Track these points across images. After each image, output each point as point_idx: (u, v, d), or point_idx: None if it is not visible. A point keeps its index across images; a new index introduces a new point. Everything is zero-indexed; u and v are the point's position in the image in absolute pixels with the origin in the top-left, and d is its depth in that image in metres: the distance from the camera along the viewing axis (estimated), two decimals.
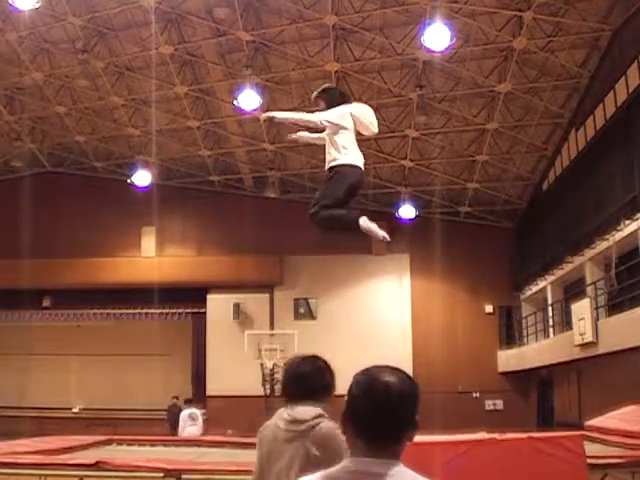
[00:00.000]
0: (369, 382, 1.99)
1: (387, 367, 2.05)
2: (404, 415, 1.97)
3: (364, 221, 5.56)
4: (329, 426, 3.11)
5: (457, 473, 5.07)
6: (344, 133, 5.62)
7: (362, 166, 5.63)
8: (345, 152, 5.56)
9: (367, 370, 2.05)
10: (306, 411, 3.20)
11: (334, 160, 5.60)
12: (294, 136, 6.00)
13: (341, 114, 5.67)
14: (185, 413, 15.01)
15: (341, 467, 1.97)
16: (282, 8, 16.62)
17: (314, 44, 17.62)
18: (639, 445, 5.70)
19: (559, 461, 5.16)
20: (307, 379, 3.37)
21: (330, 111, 5.69)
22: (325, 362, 3.56)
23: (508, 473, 5.25)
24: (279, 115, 5.92)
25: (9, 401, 23.33)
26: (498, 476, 5.23)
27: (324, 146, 5.92)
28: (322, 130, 5.74)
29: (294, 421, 3.18)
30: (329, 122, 5.61)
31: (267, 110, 20.12)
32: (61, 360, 24.97)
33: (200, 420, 14.78)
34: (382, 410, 1.94)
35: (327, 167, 5.73)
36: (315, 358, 3.54)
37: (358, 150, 5.64)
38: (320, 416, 3.19)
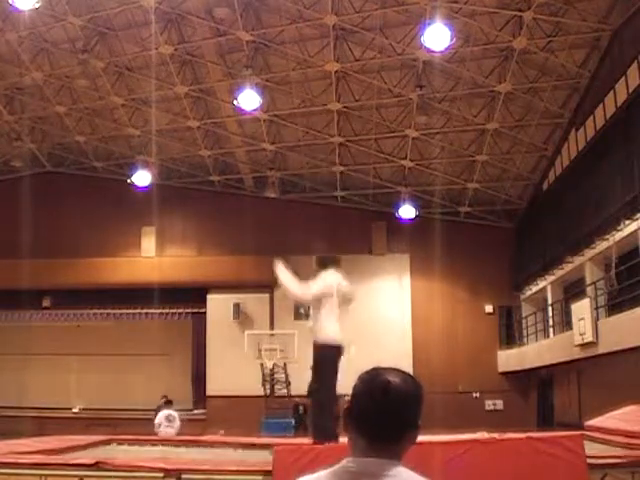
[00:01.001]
0: (372, 381, 2.00)
1: (392, 368, 2.05)
2: (406, 415, 1.97)
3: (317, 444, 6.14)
4: None
5: (457, 473, 5.07)
6: (327, 301, 6.48)
7: (338, 341, 6.45)
8: (325, 326, 6.45)
9: (372, 370, 2.06)
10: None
11: (316, 333, 6.52)
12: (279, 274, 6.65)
13: (327, 284, 6.56)
14: (162, 414, 15.08)
15: (341, 466, 1.96)
16: (282, 8, 16.62)
17: (314, 44, 17.62)
18: (639, 445, 5.70)
19: (559, 461, 5.16)
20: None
21: (318, 281, 6.56)
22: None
23: (507, 473, 5.25)
24: (280, 276, 6.62)
25: (9, 401, 23.32)
26: (497, 476, 5.23)
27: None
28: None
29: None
30: (313, 296, 6.53)
31: (267, 110, 20.16)
32: (61, 360, 24.96)
33: (177, 422, 14.90)
34: (384, 409, 1.94)
35: (313, 337, 6.60)
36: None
37: (336, 322, 6.48)
38: None
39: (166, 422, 14.77)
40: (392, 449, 1.95)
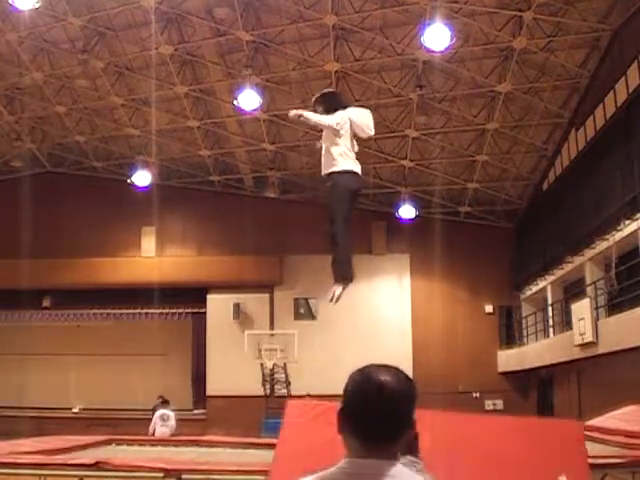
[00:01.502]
0: (364, 381, 1.97)
1: (384, 366, 2.02)
2: (401, 414, 1.95)
3: (339, 287, 5.98)
4: None
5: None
6: (343, 137, 5.85)
7: (359, 171, 5.85)
8: (342, 159, 5.79)
9: (363, 368, 2.02)
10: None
11: (332, 166, 5.83)
12: (293, 113, 6.15)
13: (341, 119, 5.82)
14: (158, 414, 15.28)
15: (337, 468, 1.93)
16: (282, 8, 16.61)
17: (314, 44, 17.61)
18: (639, 445, 5.70)
19: (558, 446, 5.12)
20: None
21: (334, 116, 5.87)
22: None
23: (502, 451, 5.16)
24: (305, 114, 6.05)
25: (9, 401, 23.31)
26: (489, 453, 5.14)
27: (322, 148, 6.06)
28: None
29: None
30: (338, 124, 5.85)
31: (267, 110, 20.15)
32: (61, 360, 24.95)
33: (172, 421, 15.06)
34: (377, 409, 1.91)
35: (325, 172, 5.94)
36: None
37: (354, 156, 5.88)
38: None
39: (160, 421, 14.95)
40: (388, 449, 1.93)
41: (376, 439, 1.92)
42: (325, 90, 6.40)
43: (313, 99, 6.20)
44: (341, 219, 5.86)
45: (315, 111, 6.15)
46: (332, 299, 5.97)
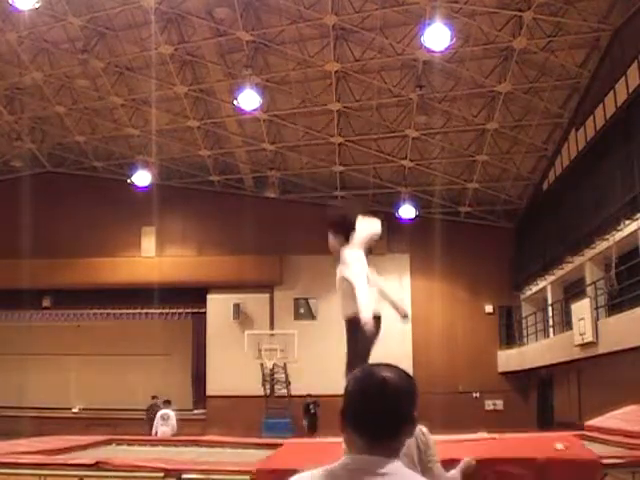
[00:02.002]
0: (365, 378, 2.00)
1: (384, 364, 2.04)
2: (401, 411, 1.97)
3: None
4: None
5: None
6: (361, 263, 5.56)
7: (374, 310, 5.40)
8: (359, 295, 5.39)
9: (364, 367, 2.06)
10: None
11: (350, 309, 5.47)
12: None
13: (364, 262, 5.65)
14: (159, 414, 15.57)
15: (339, 465, 1.96)
16: (282, 8, 16.61)
17: (314, 44, 17.61)
18: (639, 445, 5.69)
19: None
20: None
21: (356, 256, 5.59)
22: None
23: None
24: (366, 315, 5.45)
25: (9, 401, 23.31)
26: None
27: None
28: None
29: None
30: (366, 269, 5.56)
31: (267, 110, 20.15)
32: (61, 360, 24.96)
33: (172, 421, 15.29)
34: (379, 406, 1.94)
35: (344, 317, 5.62)
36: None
37: (367, 286, 5.48)
38: None
39: (161, 421, 15.11)
40: (390, 445, 1.95)
41: (378, 436, 1.94)
42: (334, 218, 5.79)
43: (329, 230, 5.65)
44: (366, 360, 5.53)
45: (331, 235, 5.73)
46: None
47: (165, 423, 15.17)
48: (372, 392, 1.95)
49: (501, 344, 24.22)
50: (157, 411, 17.57)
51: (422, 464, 3.48)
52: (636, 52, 14.42)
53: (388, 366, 2.03)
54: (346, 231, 5.66)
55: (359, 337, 5.53)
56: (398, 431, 1.97)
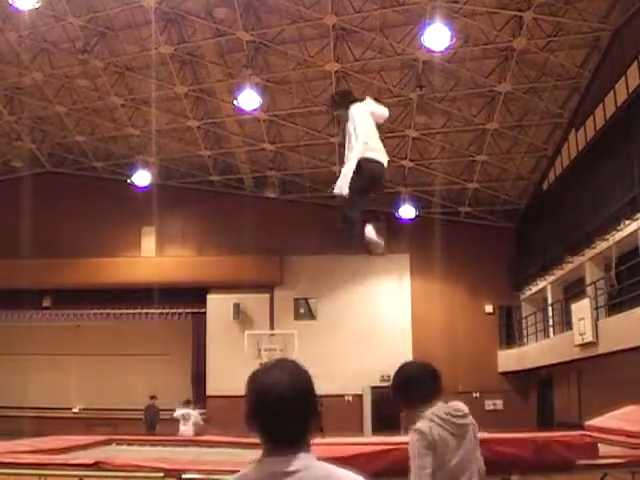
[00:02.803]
0: (258, 387, 2.01)
1: (275, 362, 2.07)
2: (300, 410, 1.98)
3: (369, 230, 6.09)
4: None
5: None
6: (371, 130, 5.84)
7: (382, 159, 5.80)
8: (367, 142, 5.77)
9: (256, 373, 2.06)
10: (463, 404, 3.61)
11: (356, 150, 5.79)
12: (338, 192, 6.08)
13: (365, 124, 5.85)
14: (179, 413, 15.82)
15: (255, 468, 1.99)
16: (282, 8, 16.61)
17: (314, 44, 17.62)
18: (639, 445, 5.69)
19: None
20: (440, 377, 3.68)
21: (358, 128, 5.87)
22: None
23: None
24: (343, 178, 5.80)
25: (9, 401, 23.30)
26: None
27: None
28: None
29: (464, 415, 3.55)
30: (364, 144, 5.76)
31: (267, 110, 20.15)
32: (61, 360, 24.96)
33: (194, 420, 15.43)
34: (275, 411, 1.95)
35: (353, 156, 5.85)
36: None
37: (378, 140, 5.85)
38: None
39: (182, 421, 15.40)
40: (301, 441, 1.97)
41: (283, 438, 1.96)
42: (336, 94, 6.44)
43: (329, 102, 6.27)
44: (359, 202, 5.85)
45: (333, 109, 6.27)
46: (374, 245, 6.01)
47: (185, 423, 15.35)
48: (265, 399, 1.97)
49: (501, 344, 24.21)
50: (155, 411, 17.78)
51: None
52: (636, 52, 14.43)
53: (281, 363, 2.06)
54: (344, 103, 6.06)
55: (357, 177, 5.76)
56: (303, 426, 1.98)
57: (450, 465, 3.36)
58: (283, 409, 1.95)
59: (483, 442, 3.97)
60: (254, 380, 2.04)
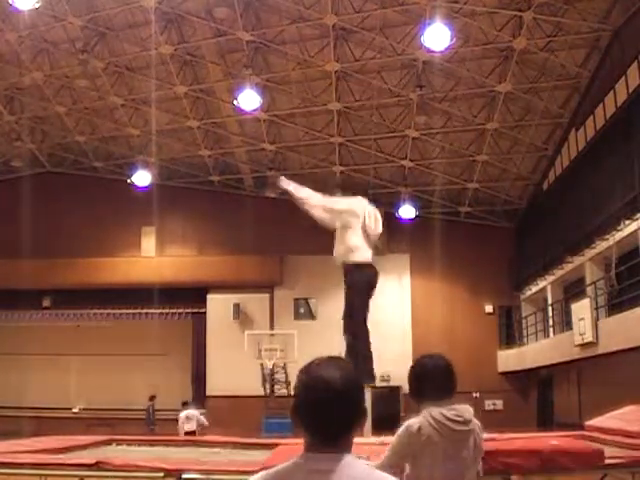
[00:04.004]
0: (310, 380, 2.01)
1: (331, 359, 2.06)
2: (348, 407, 1.98)
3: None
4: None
5: None
6: (354, 223, 5.88)
7: (370, 260, 5.87)
8: (355, 245, 5.87)
9: (308, 366, 2.06)
10: (469, 410, 3.43)
11: (345, 256, 5.91)
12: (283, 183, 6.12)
13: (351, 206, 5.91)
14: (183, 414, 15.92)
15: (293, 464, 1.99)
16: (282, 8, 16.61)
17: (314, 44, 17.61)
18: (639, 445, 5.69)
19: None
20: (454, 376, 3.51)
21: (340, 199, 5.91)
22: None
23: None
24: (292, 187, 6.07)
25: (9, 401, 23.32)
26: None
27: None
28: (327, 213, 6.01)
29: (465, 421, 3.37)
30: (332, 209, 5.88)
31: (267, 110, 20.15)
32: (61, 360, 24.96)
33: (195, 420, 15.62)
34: (325, 406, 1.96)
35: (338, 261, 6.04)
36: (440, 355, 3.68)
37: (365, 244, 5.90)
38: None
39: (186, 421, 15.68)
40: (341, 441, 1.97)
41: (328, 435, 1.97)
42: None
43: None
44: (360, 319, 5.96)
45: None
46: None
47: (189, 422, 15.55)
48: (317, 393, 1.97)
49: (501, 344, 24.21)
50: (151, 411, 18.01)
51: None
52: (636, 52, 14.42)
53: (335, 361, 2.05)
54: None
55: (352, 288, 5.97)
56: (347, 425, 1.99)
57: (442, 469, 3.28)
58: (330, 404, 1.95)
59: (488, 454, 3.98)
60: (306, 372, 2.04)
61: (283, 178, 6.16)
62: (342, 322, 5.94)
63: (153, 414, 18.89)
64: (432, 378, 3.48)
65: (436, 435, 3.30)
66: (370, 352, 5.89)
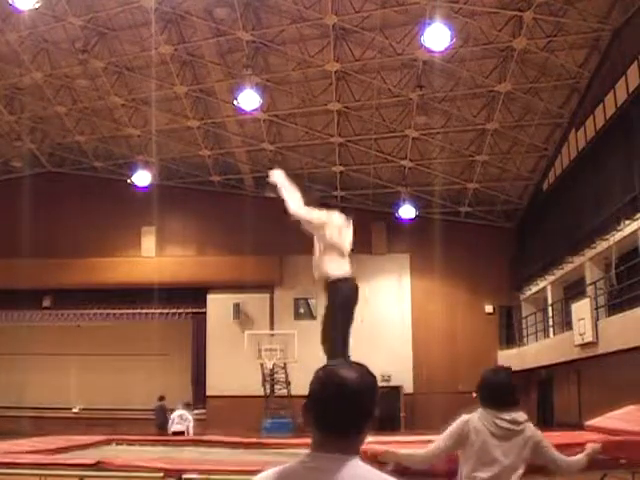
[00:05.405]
0: (326, 377, 2.03)
1: (346, 363, 2.10)
2: (360, 409, 2.00)
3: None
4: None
5: None
6: (327, 240, 5.90)
7: (348, 275, 5.86)
8: (332, 262, 5.86)
9: (326, 365, 2.11)
10: (522, 415, 3.81)
11: (324, 271, 5.89)
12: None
13: (322, 219, 6.04)
14: (176, 414, 15.99)
15: (300, 462, 1.99)
16: (282, 8, 16.62)
17: (314, 44, 17.62)
18: (639, 445, 5.68)
19: None
20: (514, 390, 3.90)
21: (320, 212, 5.96)
22: None
23: None
24: (278, 178, 6.18)
25: (9, 401, 23.33)
26: None
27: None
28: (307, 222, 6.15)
29: (513, 421, 3.75)
30: (311, 220, 6.01)
31: (267, 110, 20.15)
32: (61, 360, 24.97)
33: (188, 422, 15.81)
34: (338, 405, 1.97)
35: (318, 276, 5.98)
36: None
37: (341, 258, 5.88)
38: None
39: (178, 420, 15.71)
40: (349, 442, 1.98)
41: (337, 434, 1.97)
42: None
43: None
44: (344, 334, 5.88)
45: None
46: None
47: (181, 422, 15.61)
48: (331, 390, 1.98)
49: (501, 344, 24.19)
50: (164, 412, 18.07)
51: (536, 454, 3.80)
52: (636, 52, 14.42)
53: (350, 364, 2.08)
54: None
55: (337, 301, 5.85)
56: (356, 426, 2.00)
57: (488, 457, 3.65)
58: (344, 401, 1.97)
59: None
60: (323, 368, 2.07)
61: (278, 171, 6.16)
62: (321, 346, 5.87)
63: (164, 414, 18.77)
64: (493, 392, 3.86)
65: (482, 427, 3.72)
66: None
